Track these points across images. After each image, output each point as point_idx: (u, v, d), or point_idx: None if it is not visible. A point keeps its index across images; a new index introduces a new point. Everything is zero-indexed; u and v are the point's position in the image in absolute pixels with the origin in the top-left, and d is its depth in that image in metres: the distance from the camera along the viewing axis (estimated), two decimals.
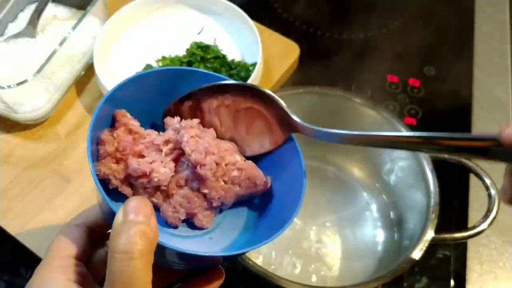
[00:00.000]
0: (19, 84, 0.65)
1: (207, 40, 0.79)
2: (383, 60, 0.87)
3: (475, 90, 0.83)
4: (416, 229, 0.57)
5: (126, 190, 0.40)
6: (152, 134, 0.41)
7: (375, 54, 0.88)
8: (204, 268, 0.42)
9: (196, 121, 0.41)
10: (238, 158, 0.41)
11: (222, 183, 0.40)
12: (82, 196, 0.67)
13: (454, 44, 0.90)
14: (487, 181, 0.59)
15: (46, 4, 0.75)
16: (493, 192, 0.59)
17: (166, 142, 0.40)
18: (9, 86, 0.65)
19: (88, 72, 0.77)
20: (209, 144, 0.39)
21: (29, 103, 0.69)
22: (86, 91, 0.77)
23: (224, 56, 0.77)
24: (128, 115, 0.41)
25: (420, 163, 0.60)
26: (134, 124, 0.41)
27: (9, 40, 0.74)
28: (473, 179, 0.71)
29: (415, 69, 0.86)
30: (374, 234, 0.66)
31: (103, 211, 0.40)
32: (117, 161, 0.39)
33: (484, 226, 0.57)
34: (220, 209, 0.42)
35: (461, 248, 0.68)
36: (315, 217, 0.67)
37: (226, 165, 0.40)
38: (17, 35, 0.75)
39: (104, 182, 0.39)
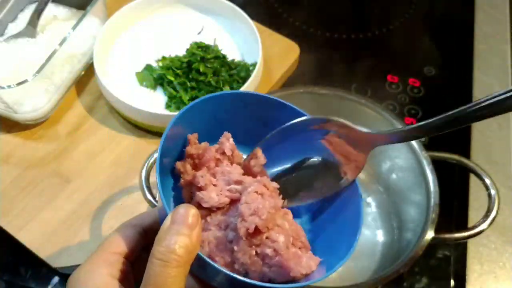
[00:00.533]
0: (19, 84, 0.65)
1: (207, 40, 0.79)
2: (383, 60, 0.87)
3: (475, 90, 0.83)
4: (416, 229, 0.57)
5: (185, 192, 0.42)
6: (236, 169, 0.42)
7: (375, 54, 0.88)
8: None
9: (274, 185, 0.41)
10: (282, 240, 0.38)
11: (253, 252, 0.38)
12: (82, 196, 0.67)
13: (454, 44, 0.90)
14: (487, 181, 0.59)
15: (46, 4, 0.75)
16: (493, 192, 0.59)
17: (238, 182, 0.40)
18: (9, 86, 0.65)
19: (88, 72, 0.77)
20: (263, 207, 0.38)
21: (29, 103, 0.69)
22: (86, 91, 0.77)
23: (224, 56, 0.77)
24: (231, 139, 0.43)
25: (420, 163, 0.60)
26: (228, 146, 0.42)
27: (9, 40, 0.74)
28: (473, 179, 0.71)
29: (415, 69, 0.86)
30: (374, 234, 0.66)
31: (159, 215, 0.41)
32: (194, 167, 0.41)
33: (484, 226, 0.57)
34: (245, 275, 0.39)
35: (461, 248, 0.68)
36: None
37: (266, 237, 0.38)
38: (17, 35, 0.75)
39: (166, 187, 0.41)
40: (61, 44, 0.69)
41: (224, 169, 0.41)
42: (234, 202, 0.40)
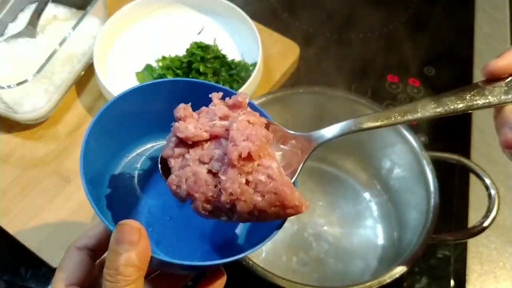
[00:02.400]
0: (19, 84, 0.65)
1: (207, 40, 0.79)
2: (383, 60, 0.87)
3: None
4: (416, 229, 0.57)
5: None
6: (223, 108, 0.39)
7: (375, 54, 0.88)
8: (204, 271, 0.42)
9: (263, 120, 0.39)
10: (275, 166, 0.36)
11: (243, 181, 0.35)
12: (82, 196, 0.66)
13: (454, 44, 0.90)
14: (487, 181, 0.59)
15: (46, 4, 0.75)
16: (493, 192, 0.59)
17: (224, 117, 0.38)
18: (9, 86, 0.65)
19: (88, 72, 0.77)
20: (256, 134, 0.36)
21: (29, 103, 0.69)
22: (86, 91, 0.77)
23: (224, 56, 0.77)
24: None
25: (420, 163, 0.60)
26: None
27: (9, 40, 0.74)
28: (473, 179, 0.71)
29: (415, 69, 0.86)
30: (374, 234, 0.66)
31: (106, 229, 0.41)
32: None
33: (484, 226, 0.57)
34: (228, 217, 0.37)
35: (461, 248, 0.68)
36: (315, 217, 0.67)
37: (258, 165, 0.36)
38: (17, 35, 0.75)
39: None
40: (61, 44, 0.69)
41: (209, 109, 0.39)
42: (216, 138, 0.38)
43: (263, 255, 0.63)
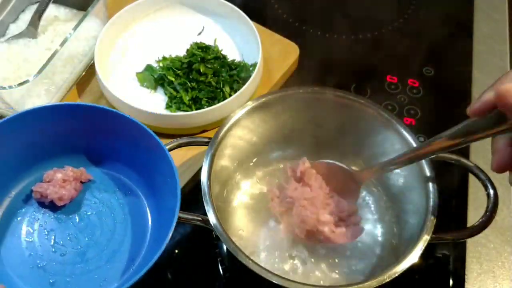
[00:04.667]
0: (20, 84, 0.65)
1: (208, 41, 0.79)
2: (383, 60, 0.87)
3: (474, 91, 0.83)
4: (415, 229, 0.58)
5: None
6: (292, 185, 0.62)
7: (375, 54, 0.88)
8: None
9: (308, 193, 0.61)
10: (326, 229, 0.59)
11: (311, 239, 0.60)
12: None
13: (453, 44, 0.90)
14: (486, 180, 0.60)
15: (47, 5, 0.76)
16: (492, 191, 0.59)
17: (290, 197, 0.61)
18: (10, 87, 0.65)
19: (89, 72, 0.77)
20: (307, 216, 0.59)
21: (31, 104, 0.69)
22: (87, 91, 0.77)
23: (224, 57, 0.77)
24: None
25: (419, 163, 0.61)
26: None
27: (10, 41, 0.75)
28: (472, 178, 0.72)
29: (414, 69, 0.86)
30: (374, 233, 0.66)
31: None
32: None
33: (483, 225, 0.57)
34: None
35: (460, 247, 0.68)
36: None
37: (317, 230, 0.59)
38: (18, 36, 0.75)
39: None
40: (62, 44, 0.70)
41: (284, 186, 0.62)
42: (290, 208, 0.61)
43: (263, 254, 0.63)
